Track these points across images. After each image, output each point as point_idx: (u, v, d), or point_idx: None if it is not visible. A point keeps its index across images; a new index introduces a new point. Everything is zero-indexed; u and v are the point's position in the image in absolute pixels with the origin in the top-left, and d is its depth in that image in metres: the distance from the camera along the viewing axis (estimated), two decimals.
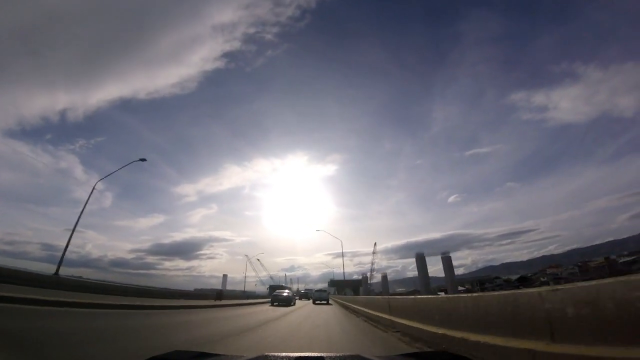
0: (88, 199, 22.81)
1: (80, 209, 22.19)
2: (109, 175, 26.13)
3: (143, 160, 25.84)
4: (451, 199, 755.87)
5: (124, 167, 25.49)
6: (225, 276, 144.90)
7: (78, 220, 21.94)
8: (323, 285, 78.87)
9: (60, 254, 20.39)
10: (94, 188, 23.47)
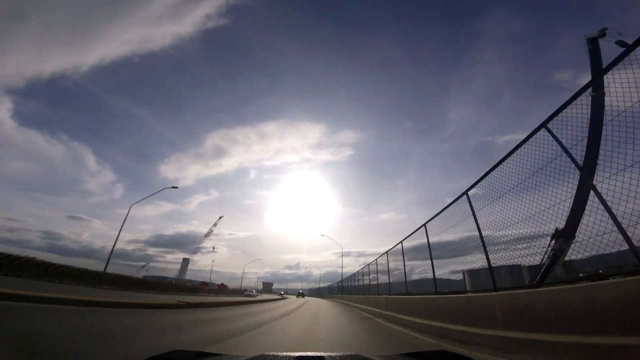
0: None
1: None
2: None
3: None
4: (470, 193, 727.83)
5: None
6: (185, 260, 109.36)
7: None
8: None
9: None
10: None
